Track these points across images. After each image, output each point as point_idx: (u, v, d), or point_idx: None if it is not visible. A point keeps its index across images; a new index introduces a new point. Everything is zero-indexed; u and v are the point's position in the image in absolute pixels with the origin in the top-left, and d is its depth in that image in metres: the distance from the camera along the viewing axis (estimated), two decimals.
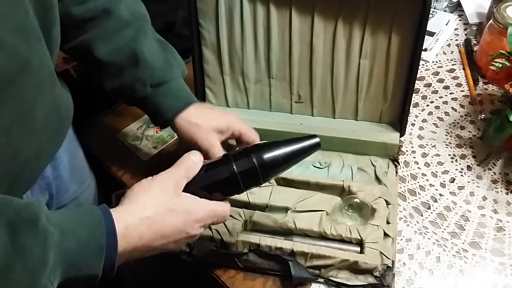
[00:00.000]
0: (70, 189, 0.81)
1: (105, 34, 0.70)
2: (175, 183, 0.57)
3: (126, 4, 0.72)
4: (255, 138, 0.73)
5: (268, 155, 0.59)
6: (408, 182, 0.85)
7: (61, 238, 0.47)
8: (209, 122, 0.71)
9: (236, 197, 0.76)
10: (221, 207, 0.59)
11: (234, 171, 0.58)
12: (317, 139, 0.62)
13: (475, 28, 1.13)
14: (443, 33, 1.12)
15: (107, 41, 0.70)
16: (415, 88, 0.92)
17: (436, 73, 1.05)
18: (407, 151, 0.90)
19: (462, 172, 0.87)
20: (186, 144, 0.72)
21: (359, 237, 0.71)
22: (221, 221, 0.60)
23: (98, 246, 0.49)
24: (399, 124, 0.84)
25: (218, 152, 0.68)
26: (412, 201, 0.83)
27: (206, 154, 0.66)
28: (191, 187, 0.58)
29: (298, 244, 0.70)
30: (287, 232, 0.73)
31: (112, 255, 0.50)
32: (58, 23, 0.61)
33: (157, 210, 0.54)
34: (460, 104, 0.98)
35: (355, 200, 0.76)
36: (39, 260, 0.45)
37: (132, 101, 0.74)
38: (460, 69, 1.05)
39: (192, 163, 0.59)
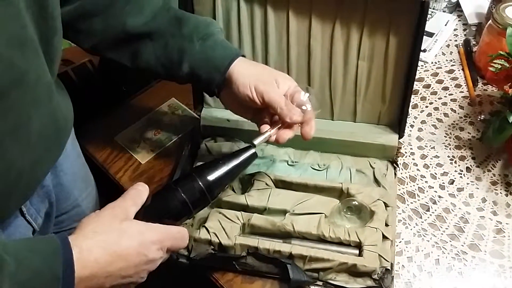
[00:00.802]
0: (71, 196, 0.81)
1: (136, 9, 0.68)
2: (123, 210, 0.56)
3: None
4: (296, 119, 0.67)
5: (212, 176, 0.61)
6: (407, 184, 0.85)
7: (16, 269, 0.46)
8: (266, 70, 0.69)
9: (234, 200, 0.77)
10: (175, 229, 0.58)
11: (183, 198, 0.59)
12: (253, 150, 0.65)
13: (474, 29, 1.13)
14: (442, 33, 1.12)
15: (140, 14, 0.68)
16: (414, 89, 0.91)
17: (435, 74, 1.04)
18: (406, 152, 0.90)
19: (461, 173, 0.86)
20: (238, 101, 0.67)
21: (358, 240, 0.71)
22: (181, 244, 0.59)
23: (54, 276, 0.47)
24: (398, 125, 0.84)
25: (280, 96, 0.65)
26: (411, 203, 0.82)
27: (264, 99, 0.65)
28: (141, 216, 0.58)
29: (296, 247, 0.70)
30: (286, 235, 0.73)
31: (69, 285, 0.48)
32: (60, 32, 0.60)
33: (109, 232, 0.53)
34: (459, 105, 0.98)
35: (353, 202, 0.75)
36: None
37: (179, 67, 0.68)
38: (459, 70, 1.05)
39: (137, 191, 0.59)
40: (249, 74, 0.66)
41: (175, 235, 0.58)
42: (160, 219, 0.58)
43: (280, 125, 0.67)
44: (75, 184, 0.81)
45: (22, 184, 0.60)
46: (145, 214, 0.58)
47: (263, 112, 0.69)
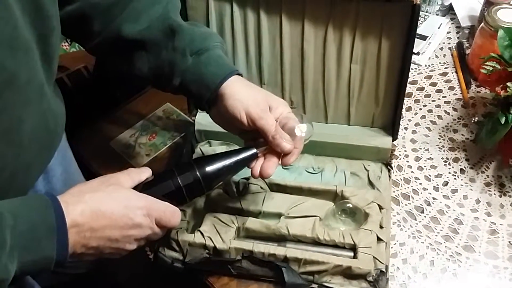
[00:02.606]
0: None
1: (133, 16, 0.66)
2: (115, 177, 0.58)
3: None
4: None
5: (210, 168, 0.62)
6: (401, 186, 0.85)
7: (14, 222, 0.48)
8: (261, 93, 0.66)
9: (228, 203, 0.77)
10: (166, 204, 0.59)
11: (179, 184, 0.60)
12: (254, 150, 0.65)
13: (467, 32, 1.14)
14: (435, 36, 1.13)
15: (136, 21, 0.66)
16: (407, 92, 0.92)
17: (429, 77, 1.05)
18: (400, 155, 0.90)
19: (455, 175, 0.87)
20: (226, 119, 0.65)
21: (352, 242, 0.71)
22: (171, 219, 0.59)
23: (49, 227, 0.50)
24: (392, 128, 0.84)
25: (272, 124, 0.63)
26: (406, 205, 0.83)
27: (255, 124, 0.63)
28: (138, 190, 0.59)
29: (291, 250, 0.70)
30: (280, 238, 0.73)
31: (63, 236, 0.51)
32: (57, 30, 0.60)
33: (95, 192, 0.55)
34: (453, 107, 0.99)
35: (348, 205, 0.76)
36: None
37: (170, 80, 0.67)
38: (452, 73, 1.06)
39: (137, 169, 0.61)
40: (241, 97, 0.64)
41: (164, 209, 0.59)
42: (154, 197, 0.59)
43: (267, 146, 0.65)
44: (67, 190, 0.81)
45: (15, 187, 0.60)
46: (142, 190, 0.59)
47: (251, 132, 0.66)
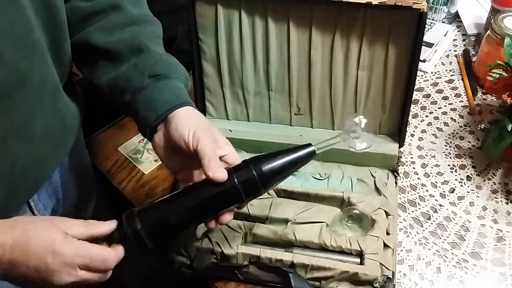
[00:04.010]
0: (75, 196, 0.83)
1: (108, 27, 0.66)
2: (62, 220, 0.55)
3: (136, 6, 0.69)
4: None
5: (266, 166, 0.59)
6: (408, 193, 0.86)
7: None
8: (210, 126, 0.63)
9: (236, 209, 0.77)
10: (96, 251, 0.54)
11: (235, 183, 0.57)
12: (312, 148, 0.62)
13: (473, 39, 1.14)
14: (442, 44, 1.13)
15: (109, 33, 0.66)
16: (414, 99, 0.92)
17: (435, 84, 1.05)
18: (406, 161, 0.90)
19: (461, 182, 0.87)
20: (171, 143, 0.62)
21: (359, 248, 0.71)
22: (99, 265, 0.54)
23: None
24: (398, 135, 0.84)
25: (213, 150, 0.59)
26: (412, 211, 0.83)
27: (197, 146, 0.59)
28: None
29: (298, 256, 0.70)
30: (287, 244, 0.73)
31: None
32: (68, 38, 0.62)
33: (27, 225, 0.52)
34: (459, 114, 0.99)
35: (355, 211, 0.76)
36: None
37: (121, 95, 0.65)
38: (459, 80, 1.06)
39: (96, 222, 0.56)
40: (191, 121, 0.61)
41: (92, 256, 0.54)
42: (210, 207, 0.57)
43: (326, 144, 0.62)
44: (79, 184, 0.82)
45: (28, 180, 0.62)
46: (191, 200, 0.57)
47: (191, 166, 0.64)
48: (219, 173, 0.57)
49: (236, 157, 0.62)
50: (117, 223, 0.57)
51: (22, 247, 0.51)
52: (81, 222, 0.56)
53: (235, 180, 0.58)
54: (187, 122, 0.61)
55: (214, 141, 0.61)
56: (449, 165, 0.90)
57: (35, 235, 0.52)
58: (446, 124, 0.97)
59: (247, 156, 0.67)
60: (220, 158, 0.60)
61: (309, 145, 0.62)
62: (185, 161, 0.63)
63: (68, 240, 0.53)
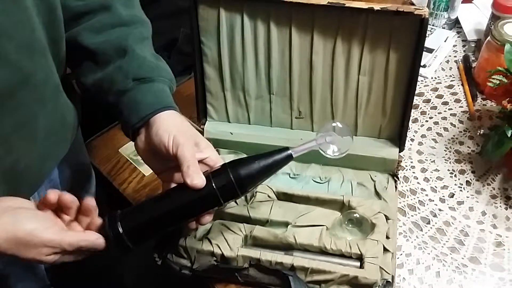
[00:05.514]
0: (74, 193, 0.83)
1: (97, 27, 0.66)
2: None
3: (127, 6, 0.69)
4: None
5: (244, 171, 0.60)
6: (408, 197, 0.86)
7: None
8: (192, 130, 0.64)
9: (236, 212, 0.77)
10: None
11: (213, 188, 0.59)
12: (289, 152, 0.63)
13: (473, 45, 1.15)
14: (442, 49, 1.14)
15: (96, 33, 0.66)
16: (414, 104, 0.93)
17: (435, 89, 1.06)
18: (406, 166, 0.91)
19: (461, 187, 0.87)
20: (152, 146, 0.63)
21: (359, 252, 0.72)
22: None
23: None
24: (398, 139, 0.85)
25: (192, 155, 0.59)
26: (412, 216, 0.83)
27: (177, 151, 0.59)
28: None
29: (298, 259, 0.71)
30: (287, 247, 0.73)
31: None
32: (64, 36, 0.62)
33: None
34: (459, 119, 0.99)
35: (355, 215, 0.76)
36: None
37: (105, 96, 0.66)
38: (459, 85, 1.06)
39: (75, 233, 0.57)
40: (172, 125, 0.62)
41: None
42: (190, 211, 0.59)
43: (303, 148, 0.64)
44: (78, 181, 0.83)
45: (30, 178, 0.63)
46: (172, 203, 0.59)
47: (172, 168, 0.64)
48: (197, 181, 0.57)
49: (217, 160, 0.63)
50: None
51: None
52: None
53: (213, 185, 0.59)
54: (167, 127, 0.61)
55: (195, 144, 0.62)
56: (448, 170, 0.90)
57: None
58: (446, 129, 0.98)
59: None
60: (201, 161, 0.62)
61: (286, 149, 0.63)
62: (167, 164, 0.64)
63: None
